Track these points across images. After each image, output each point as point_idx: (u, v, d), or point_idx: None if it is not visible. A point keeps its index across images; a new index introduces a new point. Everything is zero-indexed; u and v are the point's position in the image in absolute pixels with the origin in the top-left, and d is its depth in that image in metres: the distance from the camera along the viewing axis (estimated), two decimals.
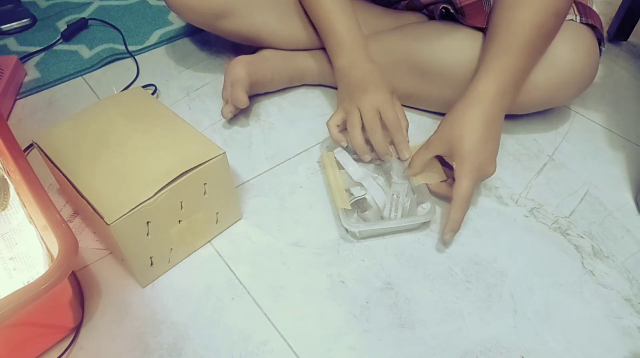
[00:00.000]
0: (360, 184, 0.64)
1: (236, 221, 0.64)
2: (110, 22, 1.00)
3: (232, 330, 0.53)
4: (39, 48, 0.95)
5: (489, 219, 0.64)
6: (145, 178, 0.51)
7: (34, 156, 0.69)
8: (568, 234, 0.62)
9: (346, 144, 0.67)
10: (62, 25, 1.01)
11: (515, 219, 0.64)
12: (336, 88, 0.74)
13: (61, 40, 0.97)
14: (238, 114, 0.80)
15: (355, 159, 0.68)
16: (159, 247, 0.55)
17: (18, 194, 0.57)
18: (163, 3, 1.07)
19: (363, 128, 0.66)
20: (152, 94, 0.84)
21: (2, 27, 0.99)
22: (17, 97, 0.85)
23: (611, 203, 0.66)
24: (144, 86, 0.84)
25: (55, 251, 0.46)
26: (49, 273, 0.43)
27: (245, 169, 0.71)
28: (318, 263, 0.59)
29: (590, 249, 0.61)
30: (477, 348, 0.51)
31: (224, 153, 0.55)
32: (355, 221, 0.62)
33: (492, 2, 0.68)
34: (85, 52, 0.94)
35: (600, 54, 0.68)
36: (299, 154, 0.73)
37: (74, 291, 0.53)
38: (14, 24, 1.00)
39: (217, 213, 0.60)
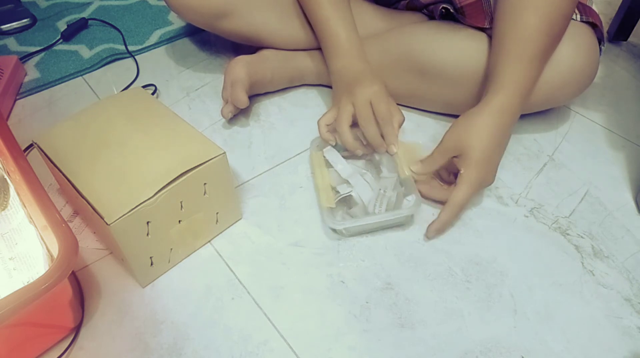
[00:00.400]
0: (348, 182, 0.64)
1: (236, 221, 0.64)
2: (110, 22, 1.00)
3: (232, 330, 0.53)
4: (39, 48, 0.95)
5: (489, 219, 0.64)
6: (145, 178, 0.51)
7: (34, 156, 0.69)
8: (568, 234, 0.62)
9: (334, 143, 0.67)
10: (62, 25, 1.01)
11: (515, 219, 0.64)
12: None
13: (61, 40, 0.97)
14: (238, 114, 0.80)
15: (345, 157, 0.67)
16: (159, 247, 0.55)
17: (18, 194, 0.57)
18: (163, 3, 1.07)
19: (353, 125, 0.65)
20: (152, 94, 0.84)
21: (2, 27, 0.99)
22: (17, 97, 0.85)
23: (611, 203, 0.66)
24: (144, 86, 0.84)
25: (55, 251, 0.46)
26: (49, 273, 0.43)
27: (245, 169, 0.71)
28: (318, 263, 0.59)
29: (590, 249, 0.61)
30: (477, 348, 0.51)
31: (224, 153, 0.55)
32: (341, 219, 0.62)
33: (492, 2, 0.68)
34: (85, 52, 0.94)
35: (600, 53, 0.68)
36: (299, 154, 0.73)
37: (74, 291, 0.53)
38: (14, 24, 1.00)
39: (217, 213, 0.60)
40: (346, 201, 0.64)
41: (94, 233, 0.63)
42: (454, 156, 0.60)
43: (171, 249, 0.57)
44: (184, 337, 0.53)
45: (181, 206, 0.54)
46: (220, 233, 0.63)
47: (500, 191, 0.67)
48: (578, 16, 0.66)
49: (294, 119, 0.79)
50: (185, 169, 0.52)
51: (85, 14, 1.04)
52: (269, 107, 0.82)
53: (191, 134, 0.57)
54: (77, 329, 0.53)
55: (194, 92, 0.85)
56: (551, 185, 0.68)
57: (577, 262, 0.59)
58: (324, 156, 0.68)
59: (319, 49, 0.79)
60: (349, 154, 0.68)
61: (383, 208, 0.61)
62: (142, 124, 0.58)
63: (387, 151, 0.65)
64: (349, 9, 0.72)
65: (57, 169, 0.54)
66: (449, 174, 0.65)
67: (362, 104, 0.64)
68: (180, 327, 0.54)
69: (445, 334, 0.53)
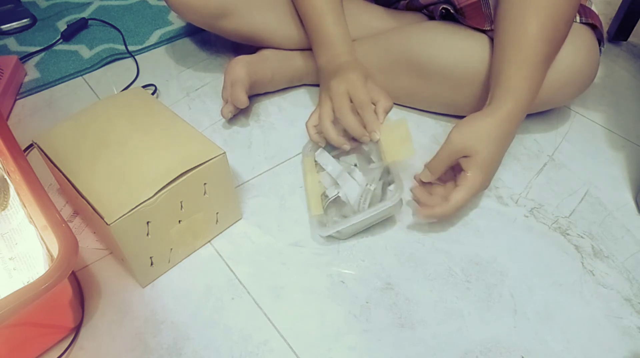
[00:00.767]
0: (336, 183, 0.63)
1: (236, 221, 0.64)
2: (110, 22, 1.00)
3: (232, 330, 0.53)
4: (39, 48, 0.95)
5: (489, 219, 0.64)
6: (145, 178, 0.51)
7: (34, 156, 0.69)
8: (568, 234, 0.62)
9: (324, 144, 0.66)
10: (62, 25, 1.01)
11: (515, 219, 0.64)
12: None
13: (61, 40, 0.97)
14: (238, 114, 0.80)
15: (337, 155, 0.67)
16: (159, 247, 0.55)
17: (18, 194, 0.57)
18: (163, 3, 1.07)
19: (337, 120, 0.64)
20: (152, 94, 0.84)
21: (2, 27, 0.99)
22: (17, 97, 0.85)
23: (611, 203, 0.66)
24: (144, 86, 0.84)
25: (55, 251, 0.46)
26: (49, 273, 0.43)
27: (245, 169, 0.71)
28: (318, 263, 0.59)
29: (590, 249, 0.61)
30: (477, 348, 0.51)
31: (224, 153, 0.55)
32: (332, 223, 0.60)
33: (490, 4, 0.68)
34: (85, 52, 0.94)
35: (599, 54, 0.68)
36: (299, 154, 0.73)
37: (74, 291, 0.53)
38: (14, 24, 1.00)
39: (217, 213, 0.60)
40: (337, 203, 0.63)
41: (94, 233, 0.63)
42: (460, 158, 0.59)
43: (171, 249, 0.57)
44: (184, 337, 0.53)
45: (181, 206, 0.54)
46: (220, 233, 0.63)
47: (500, 191, 0.68)
48: (578, 17, 0.66)
49: (294, 119, 0.79)
50: (185, 169, 0.52)
51: (85, 14, 1.04)
52: (269, 107, 0.82)
53: (191, 134, 0.57)
54: (77, 329, 0.53)
55: (194, 92, 0.85)
56: (551, 185, 0.68)
57: (577, 262, 0.59)
58: (316, 160, 0.67)
59: None
60: (340, 152, 0.67)
61: (366, 204, 0.59)
62: (142, 124, 0.58)
63: (371, 140, 0.62)
64: (339, 5, 0.71)
65: (57, 169, 0.54)
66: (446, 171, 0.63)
67: (337, 96, 0.63)
68: (180, 327, 0.54)
69: (445, 334, 0.53)
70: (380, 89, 0.64)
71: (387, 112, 0.63)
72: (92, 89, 0.87)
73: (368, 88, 0.63)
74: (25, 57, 0.92)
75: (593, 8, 0.70)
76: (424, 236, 0.62)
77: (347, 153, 0.67)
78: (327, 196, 0.63)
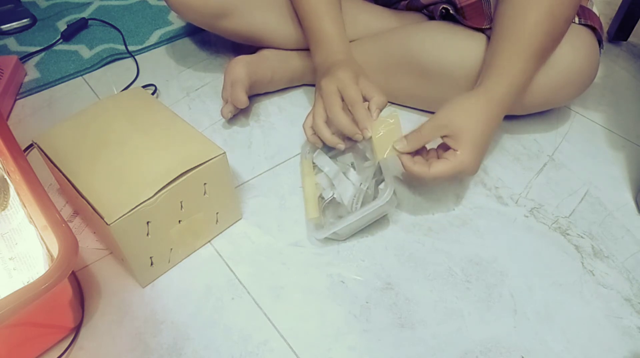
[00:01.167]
0: (332, 185, 0.63)
1: (236, 221, 0.64)
2: (110, 22, 1.00)
3: (232, 330, 0.53)
4: (39, 48, 0.95)
5: (489, 219, 0.64)
6: (145, 178, 0.51)
7: (34, 156, 0.69)
8: (568, 234, 0.62)
9: (321, 145, 0.65)
10: (62, 25, 1.01)
11: (515, 219, 0.64)
12: None
13: (61, 40, 0.97)
14: (238, 114, 0.80)
15: (333, 155, 0.66)
16: (159, 247, 0.55)
17: (18, 194, 0.57)
18: (163, 3, 1.07)
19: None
20: (152, 94, 0.84)
21: (2, 27, 0.99)
22: (17, 97, 0.85)
23: (611, 203, 0.66)
24: (144, 86, 0.84)
25: (55, 251, 0.46)
26: (49, 273, 0.43)
27: (245, 169, 0.71)
28: (318, 263, 0.59)
29: (590, 249, 0.61)
30: (477, 348, 0.51)
31: (224, 153, 0.55)
32: (329, 225, 0.60)
33: (492, 3, 0.68)
34: (85, 52, 0.94)
35: (599, 55, 0.68)
36: (298, 154, 0.73)
37: (74, 291, 0.53)
38: (14, 24, 1.00)
39: (217, 213, 0.60)
40: (334, 204, 0.63)
41: (94, 233, 0.63)
42: (443, 136, 0.57)
43: (171, 249, 0.57)
44: (184, 337, 0.53)
45: (181, 206, 0.54)
46: (220, 233, 0.63)
47: (500, 191, 0.67)
48: (577, 19, 0.66)
49: (294, 119, 0.79)
50: (185, 169, 0.52)
51: (85, 14, 1.04)
52: (269, 107, 0.82)
53: (191, 134, 0.57)
54: (77, 329, 0.53)
55: (194, 92, 0.85)
56: (551, 185, 0.68)
57: (577, 262, 0.59)
58: (313, 162, 0.67)
59: None
60: (337, 152, 0.66)
61: (359, 204, 0.59)
62: (142, 124, 0.58)
63: (363, 137, 0.60)
64: (337, 5, 0.71)
65: (57, 169, 0.54)
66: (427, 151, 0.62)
67: (327, 95, 0.62)
68: (180, 327, 0.54)
69: (445, 334, 0.53)
70: (373, 86, 0.63)
71: (380, 109, 0.62)
72: (92, 89, 0.87)
73: (361, 85, 0.62)
74: (25, 57, 0.92)
75: (594, 9, 0.70)
76: (424, 236, 0.62)
77: (344, 152, 0.66)
78: (323, 198, 0.63)
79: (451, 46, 0.69)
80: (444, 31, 0.71)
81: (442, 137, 0.58)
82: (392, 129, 0.60)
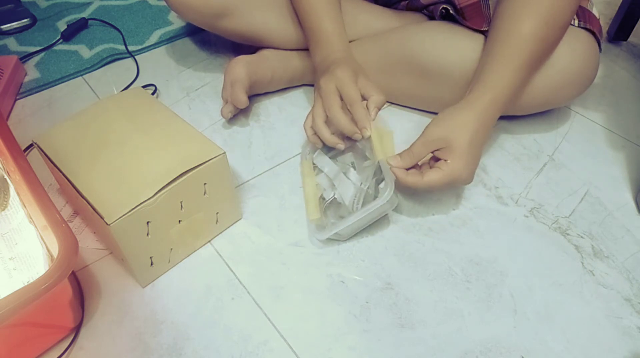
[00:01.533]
0: (333, 185, 0.63)
1: (236, 221, 0.64)
2: (110, 22, 1.00)
3: (232, 330, 0.53)
4: (39, 48, 0.95)
5: (489, 219, 0.64)
6: (145, 178, 0.51)
7: (34, 156, 0.69)
8: (568, 234, 0.62)
9: (321, 145, 0.65)
10: (62, 25, 1.01)
11: (515, 219, 0.64)
12: None
13: (61, 40, 0.97)
14: (238, 114, 0.80)
15: (333, 155, 0.66)
16: (159, 247, 0.55)
17: (18, 194, 0.57)
18: (163, 3, 1.07)
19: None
20: (152, 94, 0.84)
21: (2, 27, 0.99)
22: (17, 97, 0.85)
23: (611, 203, 0.66)
24: (144, 86, 0.84)
25: (55, 251, 0.46)
26: (49, 273, 0.43)
27: (245, 169, 0.71)
28: (318, 263, 0.59)
29: (590, 249, 0.61)
30: (477, 348, 0.51)
31: (224, 153, 0.55)
32: (330, 225, 0.60)
33: (490, 6, 0.68)
34: (85, 52, 0.94)
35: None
36: (299, 154, 0.73)
37: (74, 291, 0.53)
38: (14, 24, 1.00)
39: (217, 213, 0.60)
40: (335, 204, 0.63)
41: (94, 233, 0.63)
42: (435, 150, 0.58)
43: (171, 249, 0.57)
44: (184, 337, 0.53)
45: (181, 206, 0.54)
46: (220, 233, 0.63)
47: (500, 191, 0.68)
48: (576, 21, 0.66)
49: (294, 119, 0.79)
50: (185, 169, 0.52)
51: (85, 14, 1.04)
52: (269, 107, 0.82)
53: (191, 134, 0.57)
54: (77, 329, 0.53)
55: (194, 92, 0.85)
56: (551, 185, 0.68)
57: (577, 262, 0.59)
58: (314, 162, 0.67)
59: None
60: (337, 152, 0.66)
61: (360, 204, 0.59)
62: (142, 124, 0.58)
63: (362, 137, 0.60)
64: (337, 4, 0.71)
65: (57, 169, 0.54)
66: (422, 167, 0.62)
67: (326, 94, 0.62)
68: (180, 327, 0.54)
69: (445, 334, 0.53)
70: (373, 84, 0.63)
71: (379, 108, 0.62)
72: (92, 89, 0.87)
73: (360, 84, 0.62)
74: (25, 57, 0.92)
75: (594, 10, 0.69)
76: (424, 236, 0.62)
77: (344, 152, 0.66)
78: (324, 199, 0.63)
79: (451, 46, 0.69)
80: (444, 31, 0.71)
81: (433, 152, 0.59)
82: (389, 137, 0.61)
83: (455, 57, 0.69)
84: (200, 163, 0.53)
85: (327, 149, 0.67)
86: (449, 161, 0.56)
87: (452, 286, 0.57)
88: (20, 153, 0.55)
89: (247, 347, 0.52)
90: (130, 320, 0.54)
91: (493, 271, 0.58)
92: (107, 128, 0.58)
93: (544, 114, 0.78)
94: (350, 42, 0.72)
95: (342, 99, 0.61)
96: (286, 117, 0.80)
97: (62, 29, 0.98)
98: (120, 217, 0.48)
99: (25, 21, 1.00)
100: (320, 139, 0.64)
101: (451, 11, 0.71)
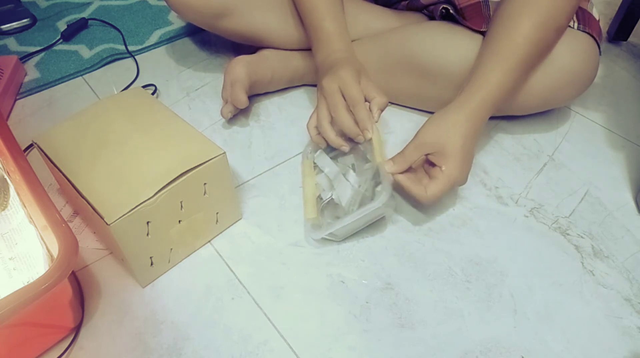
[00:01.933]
0: (332, 185, 0.63)
1: (236, 221, 0.64)
2: (110, 22, 1.00)
3: (232, 330, 0.53)
4: (39, 48, 0.95)
5: (489, 219, 0.64)
6: (145, 178, 0.51)
7: (34, 156, 0.69)
8: (568, 234, 0.62)
9: (325, 145, 0.65)
10: (62, 25, 1.01)
11: (515, 219, 0.64)
12: None
13: (61, 40, 0.97)
14: (238, 114, 0.80)
15: (335, 156, 0.66)
16: (159, 247, 0.55)
17: (18, 194, 0.57)
18: (163, 3, 1.07)
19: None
20: (152, 94, 0.84)
21: (2, 27, 0.99)
22: (17, 97, 0.85)
23: (611, 203, 0.66)
24: (144, 86, 0.84)
25: (55, 251, 0.46)
26: (49, 273, 0.43)
27: (245, 169, 0.71)
28: (318, 263, 0.59)
29: (590, 249, 0.61)
30: (477, 348, 0.51)
31: (224, 153, 0.55)
32: (326, 225, 0.60)
33: (490, 6, 0.68)
34: (85, 52, 0.94)
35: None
36: (299, 154, 0.73)
37: (74, 291, 0.53)
38: (14, 24, 1.00)
39: (217, 213, 0.60)
40: (333, 205, 0.63)
41: (94, 233, 0.63)
42: (428, 154, 0.59)
43: (171, 249, 0.57)
44: (184, 337, 0.53)
45: (181, 206, 0.54)
46: (220, 233, 0.63)
47: (500, 191, 0.68)
48: (576, 24, 0.66)
49: (294, 119, 0.79)
50: (185, 169, 0.52)
51: (85, 14, 1.04)
52: (269, 107, 0.82)
53: (191, 134, 0.57)
54: (77, 329, 0.53)
55: (194, 92, 0.85)
56: (551, 185, 0.68)
57: (577, 262, 0.59)
58: (314, 162, 0.67)
59: None
60: (339, 153, 0.66)
61: (356, 205, 0.59)
62: (142, 124, 0.58)
63: (364, 139, 0.61)
64: (339, 4, 0.71)
65: (57, 169, 0.54)
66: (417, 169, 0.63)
67: (330, 95, 0.61)
68: (180, 327, 0.54)
69: (445, 334, 0.53)
70: (375, 86, 0.63)
71: (382, 110, 0.62)
72: (92, 89, 0.87)
73: (362, 85, 0.62)
74: (25, 57, 0.92)
75: (594, 11, 0.69)
76: (424, 236, 0.62)
77: (345, 153, 0.66)
78: (322, 199, 0.63)
79: (451, 46, 0.69)
80: (444, 31, 0.71)
81: (426, 155, 0.59)
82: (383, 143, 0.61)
83: (455, 57, 0.69)
84: (200, 163, 0.53)
85: (330, 149, 0.67)
86: (444, 169, 0.57)
87: (452, 286, 0.57)
88: (20, 153, 0.55)
89: (247, 347, 0.52)
90: (130, 320, 0.54)
91: (493, 271, 0.58)
92: (107, 128, 0.58)
93: (544, 114, 0.78)
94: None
95: (344, 99, 0.62)
96: (286, 117, 0.80)
97: (62, 29, 0.98)
98: (120, 217, 0.48)
99: (25, 21, 1.00)
100: (325, 140, 0.64)
101: (451, 11, 0.71)
